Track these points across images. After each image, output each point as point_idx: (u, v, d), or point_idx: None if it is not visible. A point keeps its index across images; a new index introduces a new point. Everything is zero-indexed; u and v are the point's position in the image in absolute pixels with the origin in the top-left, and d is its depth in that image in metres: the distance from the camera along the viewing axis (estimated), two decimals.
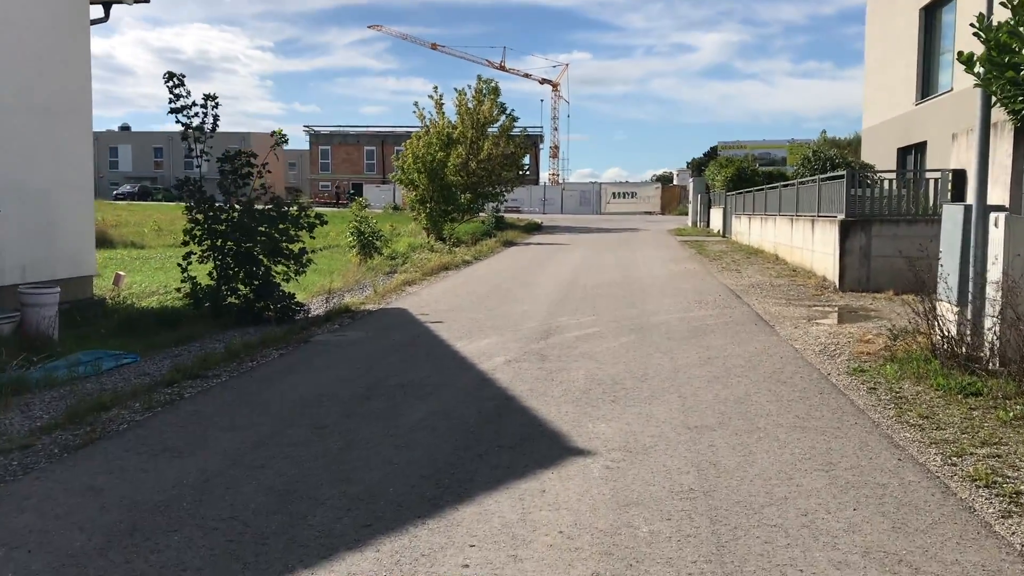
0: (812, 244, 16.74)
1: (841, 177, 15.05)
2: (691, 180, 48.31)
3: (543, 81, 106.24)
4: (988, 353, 7.16)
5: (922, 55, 21.74)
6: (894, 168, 21.09)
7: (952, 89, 19.30)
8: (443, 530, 4.16)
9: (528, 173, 79.48)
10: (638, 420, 6.11)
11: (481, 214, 40.47)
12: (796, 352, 8.72)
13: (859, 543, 3.93)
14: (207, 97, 11.67)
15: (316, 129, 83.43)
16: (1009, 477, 4.80)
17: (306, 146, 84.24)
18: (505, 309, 12.44)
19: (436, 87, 34.93)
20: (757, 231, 24.80)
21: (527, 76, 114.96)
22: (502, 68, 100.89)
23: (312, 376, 7.89)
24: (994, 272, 7.15)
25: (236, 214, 11.69)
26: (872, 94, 26.18)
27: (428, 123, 35.86)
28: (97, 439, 5.79)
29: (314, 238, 13.25)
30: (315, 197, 77.74)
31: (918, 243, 14.04)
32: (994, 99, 7.57)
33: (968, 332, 7.53)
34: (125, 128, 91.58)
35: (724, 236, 33.17)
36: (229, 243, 11.66)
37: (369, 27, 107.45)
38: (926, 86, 21.72)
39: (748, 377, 7.49)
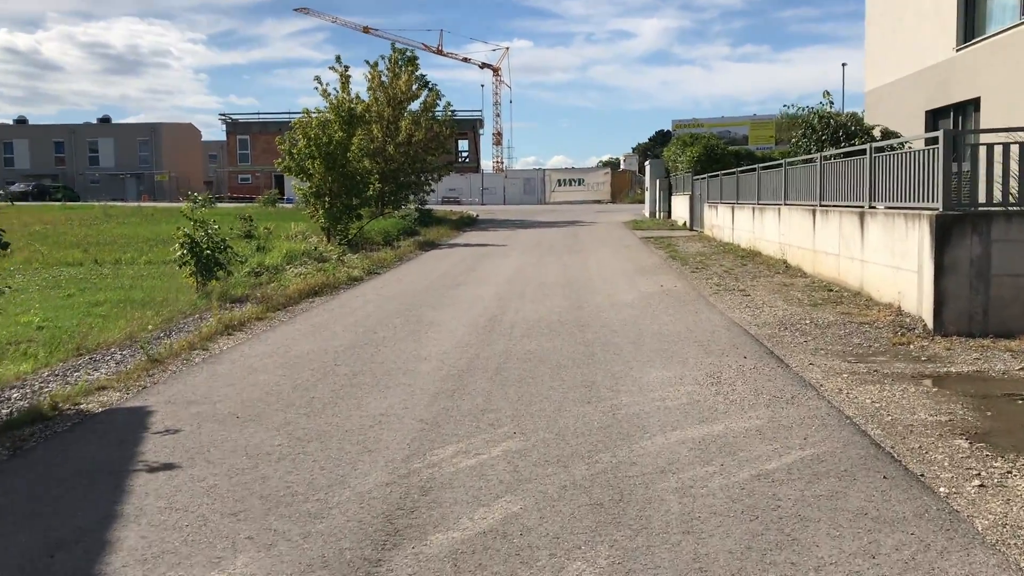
0: (861, 251, 10.93)
1: (933, 144, 9.18)
2: (648, 163, 42.31)
3: (483, 66, 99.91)
4: None
5: None
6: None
7: (1023, 22, 13.65)
8: None
9: (467, 160, 73.07)
10: None
11: (406, 207, 34.13)
12: None
13: None
14: None
15: (233, 118, 75.67)
16: None
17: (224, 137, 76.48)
18: (348, 408, 6.36)
19: (339, 56, 28.46)
20: (746, 226, 19.01)
21: (466, 60, 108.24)
22: (440, 52, 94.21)
23: None
24: None
25: None
26: (880, 47, 20.54)
27: (334, 101, 29.38)
28: None
29: None
30: (231, 192, 70.17)
31: None
32: None
33: None
34: (21, 121, 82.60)
35: (694, 230, 27.43)
36: None
37: (296, 10, 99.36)
38: (970, 25, 16.12)
39: None
